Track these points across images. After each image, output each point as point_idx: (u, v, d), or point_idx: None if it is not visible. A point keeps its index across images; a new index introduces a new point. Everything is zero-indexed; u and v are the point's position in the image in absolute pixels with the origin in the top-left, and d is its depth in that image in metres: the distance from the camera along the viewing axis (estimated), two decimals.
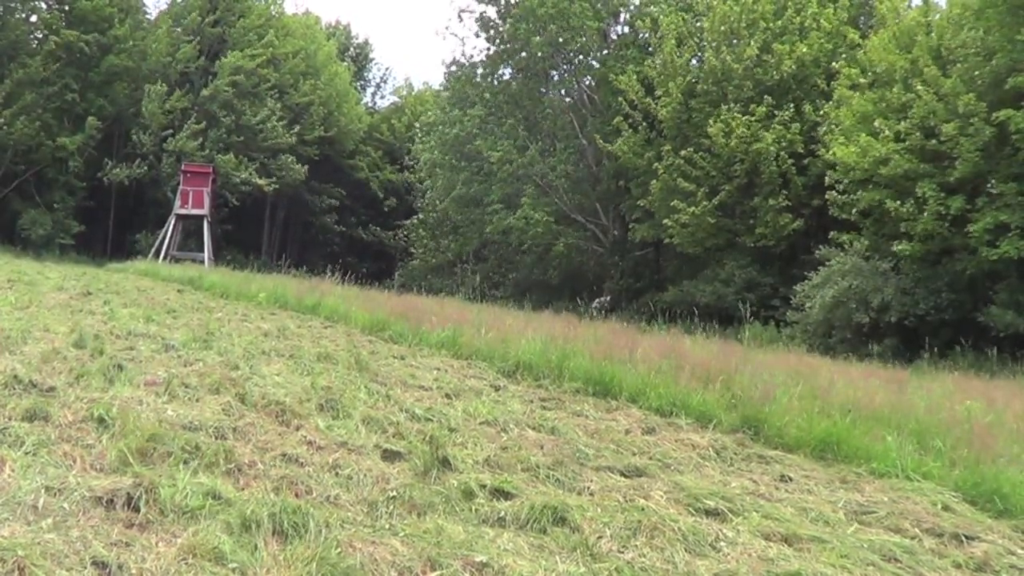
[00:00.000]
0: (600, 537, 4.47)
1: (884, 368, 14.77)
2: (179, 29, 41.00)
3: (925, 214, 18.55)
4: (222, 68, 39.90)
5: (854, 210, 21.00)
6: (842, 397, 9.08)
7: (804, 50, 25.59)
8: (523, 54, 33.30)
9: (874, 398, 8.99)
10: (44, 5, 38.34)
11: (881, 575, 4.44)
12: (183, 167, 37.10)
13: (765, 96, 25.36)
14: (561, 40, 31.61)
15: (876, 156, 19.66)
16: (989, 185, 17.83)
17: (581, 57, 33.91)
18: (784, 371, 10.76)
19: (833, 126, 22.61)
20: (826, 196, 22.12)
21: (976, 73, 18.31)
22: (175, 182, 37.56)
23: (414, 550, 4.01)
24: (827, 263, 21.09)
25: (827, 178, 21.99)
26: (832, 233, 21.79)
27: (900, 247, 19.07)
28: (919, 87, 19.34)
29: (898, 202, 19.27)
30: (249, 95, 40.84)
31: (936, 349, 17.49)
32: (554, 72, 34.84)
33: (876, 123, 20.10)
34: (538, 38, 31.18)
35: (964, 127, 18.05)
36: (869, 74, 22.26)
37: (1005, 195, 17.44)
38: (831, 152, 21.50)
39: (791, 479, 6.26)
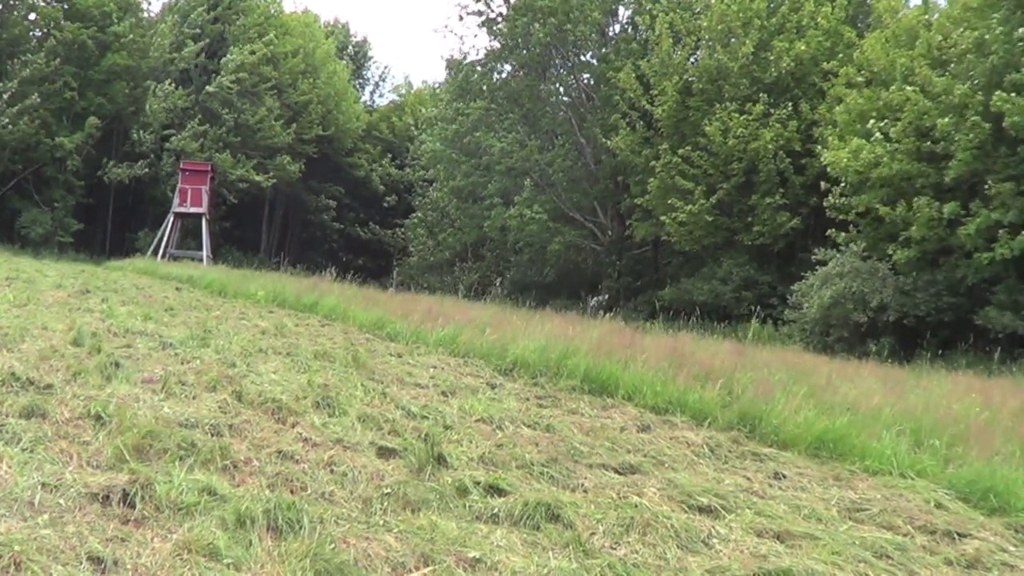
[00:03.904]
0: (593, 534, 4.50)
1: (882, 367, 14.80)
2: (183, 26, 40.93)
3: (919, 217, 18.57)
4: (226, 65, 39.89)
5: (852, 212, 21.05)
6: (840, 396, 9.12)
7: (802, 48, 25.62)
8: (523, 51, 33.34)
9: (872, 397, 9.02)
10: (43, 2, 38.30)
11: (872, 572, 4.46)
12: (182, 165, 37.05)
13: (762, 94, 25.40)
14: (561, 33, 31.55)
15: (868, 159, 19.70)
16: (986, 187, 17.81)
17: (579, 54, 33.95)
18: (782, 369, 10.80)
19: (830, 126, 22.65)
20: (824, 203, 22.17)
21: (973, 73, 18.31)
22: (174, 180, 37.54)
23: (408, 546, 4.04)
24: (825, 263, 21.12)
25: (823, 184, 22.05)
26: (830, 232, 21.81)
27: (897, 254, 19.11)
28: (908, 89, 19.35)
29: (889, 207, 19.33)
30: (249, 94, 40.88)
31: (934, 349, 17.54)
32: (553, 69, 34.88)
33: (869, 124, 20.11)
34: (538, 25, 31.13)
35: (959, 123, 18.05)
36: (865, 73, 22.28)
37: (1001, 194, 17.44)
38: (825, 154, 21.57)
39: (785, 476, 6.29)
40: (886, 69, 21.31)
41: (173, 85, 39.42)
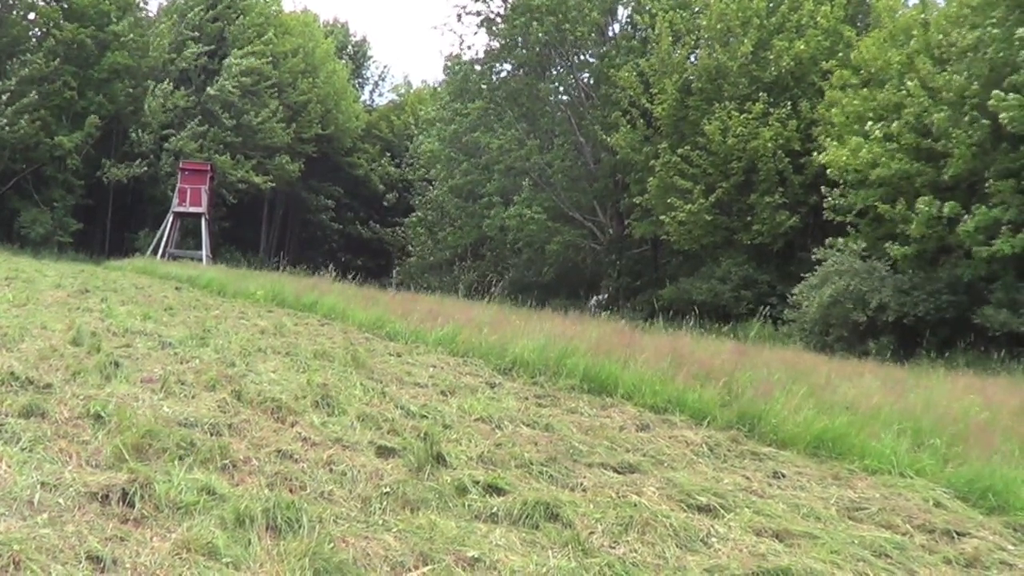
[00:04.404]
0: (592, 533, 4.50)
1: (882, 366, 14.80)
2: (182, 25, 40.92)
3: (919, 216, 18.58)
4: (229, 68, 39.85)
5: (850, 214, 21.07)
6: (839, 395, 9.13)
7: (802, 47, 25.63)
8: (523, 51, 33.34)
9: (871, 396, 9.02)
10: (42, 1, 38.27)
11: (871, 571, 4.46)
12: (181, 165, 37.07)
13: (761, 93, 25.40)
14: (560, 32, 31.52)
15: (867, 159, 19.71)
16: (986, 185, 17.82)
17: (578, 53, 33.97)
18: (781, 369, 10.80)
19: (829, 125, 22.67)
20: (823, 204, 22.19)
21: (972, 71, 18.31)
22: (173, 180, 37.53)
23: (407, 545, 4.04)
24: (824, 263, 21.12)
25: (823, 189, 22.09)
26: (828, 240, 21.81)
27: (895, 251, 19.12)
28: (910, 84, 19.36)
29: (888, 205, 19.35)
30: (250, 94, 40.86)
31: (934, 348, 17.55)
32: (552, 68, 34.88)
33: (867, 125, 20.12)
34: (536, 24, 31.12)
35: (956, 118, 18.04)
36: (862, 73, 22.29)
37: (1001, 192, 17.46)
38: (822, 156, 21.62)
39: (784, 475, 6.29)
40: (883, 69, 21.31)
41: (172, 85, 39.41)
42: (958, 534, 5.24)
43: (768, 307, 20.91)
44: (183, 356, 8.64)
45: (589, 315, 19.83)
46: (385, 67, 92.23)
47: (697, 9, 29.17)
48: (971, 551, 4.89)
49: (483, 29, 34.23)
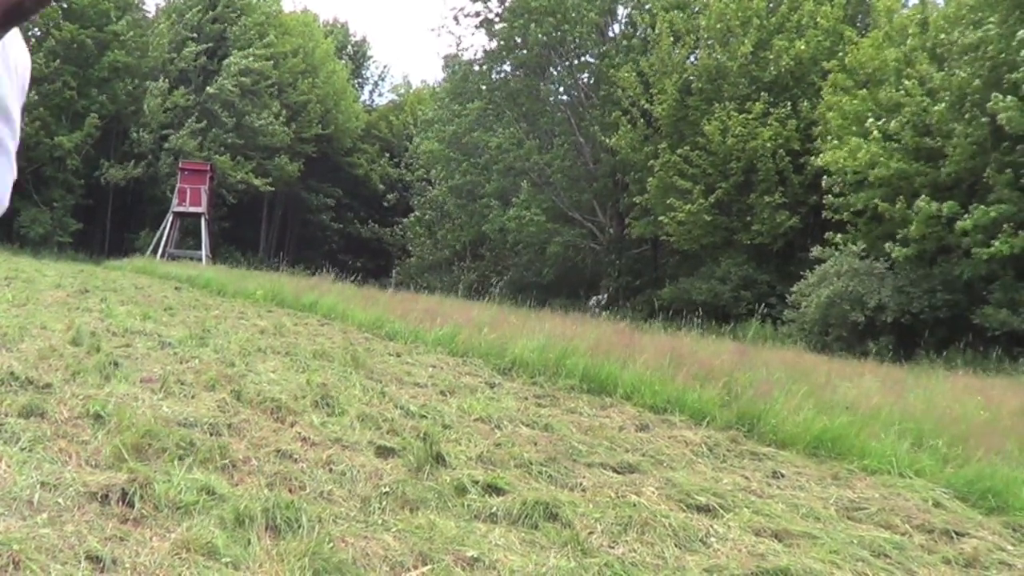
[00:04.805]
0: (591, 532, 4.50)
1: (881, 366, 14.82)
2: (180, 25, 40.92)
3: (919, 216, 18.59)
4: (228, 68, 39.84)
5: (848, 211, 21.09)
6: (839, 395, 9.13)
7: (802, 47, 25.64)
8: (522, 51, 33.34)
9: (871, 396, 9.03)
10: None
11: (870, 571, 4.45)
12: (181, 164, 37.08)
13: (762, 93, 25.41)
14: (559, 33, 31.54)
15: (865, 160, 19.73)
16: (984, 176, 17.84)
17: (578, 53, 34.00)
18: (781, 369, 10.80)
19: (828, 126, 22.70)
20: (823, 200, 22.22)
21: (972, 70, 18.31)
22: (173, 180, 37.53)
23: (406, 545, 4.04)
24: (823, 261, 21.14)
25: (823, 183, 22.11)
26: (827, 234, 21.85)
27: (895, 251, 19.15)
28: (908, 83, 19.37)
29: (887, 203, 19.38)
30: (250, 94, 40.86)
31: (933, 347, 17.57)
32: (552, 69, 34.90)
33: (867, 124, 20.14)
34: (534, 25, 31.12)
35: (956, 114, 18.04)
36: (861, 74, 22.30)
37: (998, 190, 17.47)
38: (820, 157, 21.65)
39: (783, 475, 6.29)
40: (879, 69, 21.33)
41: (170, 84, 39.39)
42: (957, 534, 5.23)
43: (768, 307, 20.95)
44: (183, 356, 8.63)
45: (589, 315, 19.85)
46: (385, 67, 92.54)
47: (697, 9, 29.18)
48: (970, 551, 4.89)
49: (481, 30, 34.30)
